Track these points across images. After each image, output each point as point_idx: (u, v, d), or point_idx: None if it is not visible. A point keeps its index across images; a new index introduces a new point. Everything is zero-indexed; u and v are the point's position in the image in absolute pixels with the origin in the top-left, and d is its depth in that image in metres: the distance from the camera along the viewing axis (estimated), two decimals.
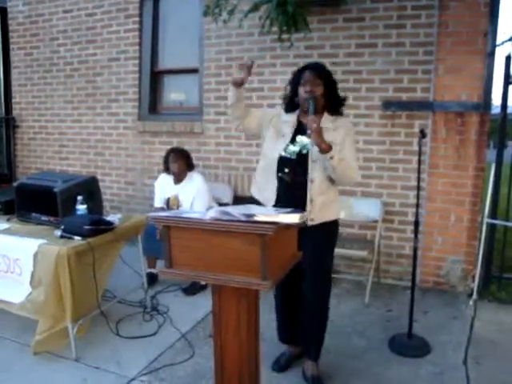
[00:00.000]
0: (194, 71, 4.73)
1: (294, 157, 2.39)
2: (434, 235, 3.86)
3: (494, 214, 3.74)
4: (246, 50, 4.32)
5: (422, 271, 3.91)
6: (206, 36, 4.48)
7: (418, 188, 2.94)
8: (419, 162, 2.88)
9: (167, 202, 3.91)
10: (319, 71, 2.41)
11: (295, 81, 2.46)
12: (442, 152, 3.76)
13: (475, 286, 3.62)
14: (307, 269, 2.46)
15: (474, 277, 3.71)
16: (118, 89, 5.01)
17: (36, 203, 3.15)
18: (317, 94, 2.36)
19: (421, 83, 3.78)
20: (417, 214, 2.98)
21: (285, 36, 3.69)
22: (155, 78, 4.97)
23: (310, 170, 2.33)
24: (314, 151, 2.30)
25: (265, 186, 2.49)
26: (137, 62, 4.89)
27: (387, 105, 3.86)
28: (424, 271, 3.92)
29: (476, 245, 3.75)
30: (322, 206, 2.40)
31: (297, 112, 2.52)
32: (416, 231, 2.97)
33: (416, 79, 3.79)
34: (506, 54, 3.57)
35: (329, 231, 2.52)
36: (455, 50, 3.62)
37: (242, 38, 4.32)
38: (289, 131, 2.46)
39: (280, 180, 2.42)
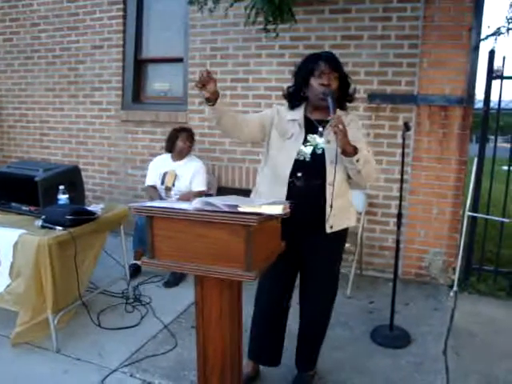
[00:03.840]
0: (179, 60, 4.67)
1: (308, 159, 2.14)
2: (416, 228, 3.90)
3: (475, 207, 3.79)
4: (231, 40, 4.28)
5: (404, 263, 3.95)
6: (191, 25, 4.43)
7: (402, 181, 2.96)
8: (403, 155, 2.89)
9: (163, 176, 3.95)
10: (336, 63, 2.13)
11: (305, 71, 2.15)
12: (426, 145, 3.79)
13: (456, 277, 3.69)
14: (317, 276, 2.33)
15: (454, 269, 3.77)
16: (101, 77, 4.93)
17: (16, 192, 3.09)
18: (334, 89, 2.11)
19: (405, 76, 3.79)
20: (400, 207, 3.00)
21: (270, 27, 3.67)
22: (139, 67, 4.89)
23: (328, 173, 2.12)
24: (330, 151, 2.09)
25: (272, 194, 2.15)
26: (120, 49, 4.81)
27: (372, 97, 3.87)
28: (406, 263, 3.96)
29: (457, 237, 3.80)
30: (340, 211, 2.19)
31: (302, 108, 2.23)
32: (399, 223, 2.99)
33: (401, 72, 3.80)
34: (490, 49, 3.61)
35: (342, 239, 2.35)
36: (440, 44, 3.63)
37: (227, 28, 4.28)
38: (298, 131, 2.19)
39: (290, 186, 2.15)
